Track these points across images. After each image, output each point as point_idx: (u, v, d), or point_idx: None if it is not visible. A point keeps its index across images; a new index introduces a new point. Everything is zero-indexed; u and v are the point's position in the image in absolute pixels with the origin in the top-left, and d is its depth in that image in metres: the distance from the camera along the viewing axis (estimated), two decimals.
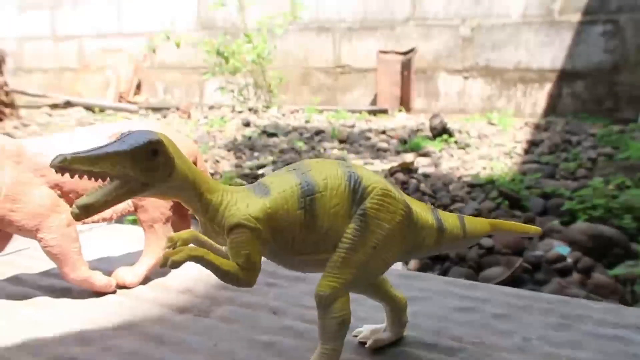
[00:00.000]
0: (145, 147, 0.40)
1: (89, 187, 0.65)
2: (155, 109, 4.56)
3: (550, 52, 4.13)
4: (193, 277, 0.71)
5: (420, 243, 0.47)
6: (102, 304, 0.63)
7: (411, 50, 4.51)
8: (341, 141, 3.50)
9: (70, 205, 0.66)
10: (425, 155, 3.07)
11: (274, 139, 3.58)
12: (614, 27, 3.91)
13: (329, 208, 0.43)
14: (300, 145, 3.32)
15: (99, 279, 0.65)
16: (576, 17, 4.00)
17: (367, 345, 0.51)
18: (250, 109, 4.40)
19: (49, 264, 0.75)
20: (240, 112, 4.36)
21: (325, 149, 3.22)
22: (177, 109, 4.48)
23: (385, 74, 4.54)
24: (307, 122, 4.04)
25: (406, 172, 2.74)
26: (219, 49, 4.49)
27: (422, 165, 2.88)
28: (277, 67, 4.61)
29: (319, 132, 3.70)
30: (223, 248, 0.46)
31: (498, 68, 4.34)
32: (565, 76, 4.09)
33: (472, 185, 2.51)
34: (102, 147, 0.41)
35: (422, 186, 2.52)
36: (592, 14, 3.95)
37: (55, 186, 0.64)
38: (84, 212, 0.41)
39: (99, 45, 5.11)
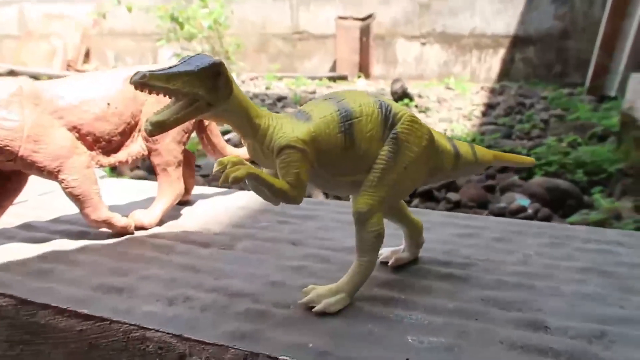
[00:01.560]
0: (211, 67, 0.43)
1: (106, 130, 0.66)
2: None
3: (504, 19, 4.26)
4: (205, 217, 0.73)
5: (441, 166, 0.51)
6: (123, 243, 0.65)
7: (369, 16, 4.53)
8: None
9: (89, 148, 0.67)
10: None
11: None
12: None
13: (365, 132, 0.47)
14: None
15: (118, 220, 0.66)
16: None
17: (389, 264, 0.56)
18: None
19: (55, 213, 0.76)
20: None
21: None
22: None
23: (344, 41, 4.55)
24: (267, 88, 4.02)
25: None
26: (173, 14, 4.36)
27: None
28: (234, 34, 4.53)
29: (281, 99, 3.69)
30: (267, 171, 0.49)
31: (454, 34, 4.43)
32: (517, 42, 4.24)
33: None
34: (172, 67, 0.43)
35: None
36: None
37: (73, 128, 0.64)
38: (157, 128, 0.43)
39: (41, 11, 4.84)
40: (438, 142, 0.52)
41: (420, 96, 3.67)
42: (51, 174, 0.62)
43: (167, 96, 0.43)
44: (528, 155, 2.32)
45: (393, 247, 0.58)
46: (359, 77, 4.44)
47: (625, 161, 2.17)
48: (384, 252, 0.57)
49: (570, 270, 0.55)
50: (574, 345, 0.41)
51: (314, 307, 0.47)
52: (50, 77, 4.24)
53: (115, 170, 2.04)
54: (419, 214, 0.72)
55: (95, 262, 0.59)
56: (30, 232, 0.69)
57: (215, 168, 0.44)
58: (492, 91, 3.79)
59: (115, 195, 0.83)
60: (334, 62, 4.75)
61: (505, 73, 4.32)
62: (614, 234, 0.65)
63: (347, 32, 4.57)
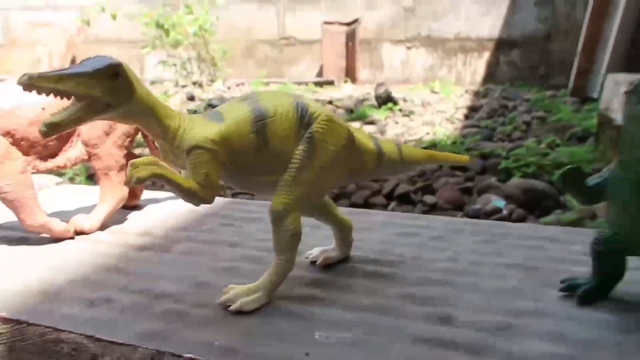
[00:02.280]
0: (106, 68, 0.43)
1: (39, 134, 0.66)
2: None
3: (488, 22, 4.29)
4: (150, 221, 0.73)
5: (363, 165, 0.52)
6: (61, 249, 0.65)
7: (355, 21, 4.56)
8: None
9: (24, 154, 0.67)
10: (372, 123, 3.15)
11: None
12: None
13: (279, 132, 0.47)
14: None
15: (57, 225, 0.66)
16: None
17: (317, 263, 0.56)
18: (194, 83, 4.34)
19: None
20: (184, 86, 4.29)
21: None
22: None
23: (330, 45, 4.57)
24: None
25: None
26: (159, 21, 4.37)
27: (369, 132, 2.95)
28: (221, 40, 4.54)
29: None
30: (182, 172, 0.49)
31: (439, 38, 4.46)
32: (502, 45, 4.26)
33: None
34: (66, 68, 0.44)
35: None
36: None
37: (7, 134, 0.64)
38: (52, 129, 0.43)
39: (26, 19, 4.84)
40: (359, 141, 0.52)
41: (404, 100, 3.68)
42: None
43: (59, 97, 0.44)
44: (507, 158, 2.34)
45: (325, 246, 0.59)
46: (346, 81, 4.46)
47: (601, 161, 2.18)
48: (314, 251, 0.58)
49: (496, 266, 0.55)
50: (477, 337, 0.41)
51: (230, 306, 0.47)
52: None
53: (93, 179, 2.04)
54: (364, 214, 0.72)
55: (28, 266, 0.59)
56: None
57: (129, 169, 0.44)
58: (477, 94, 3.81)
59: (69, 200, 0.83)
60: (321, 67, 4.76)
61: (491, 76, 4.34)
62: (551, 230, 0.65)
63: (333, 37, 4.60)
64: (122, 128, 0.71)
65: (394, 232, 0.66)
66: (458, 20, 4.36)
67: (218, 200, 0.74)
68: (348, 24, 4.53)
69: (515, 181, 2.05)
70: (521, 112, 3.23)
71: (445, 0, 4.37)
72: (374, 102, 3.58)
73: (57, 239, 0.67)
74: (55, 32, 4.54)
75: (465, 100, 3.66)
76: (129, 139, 0.72)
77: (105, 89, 0.43)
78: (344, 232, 0.57)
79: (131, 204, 0.80)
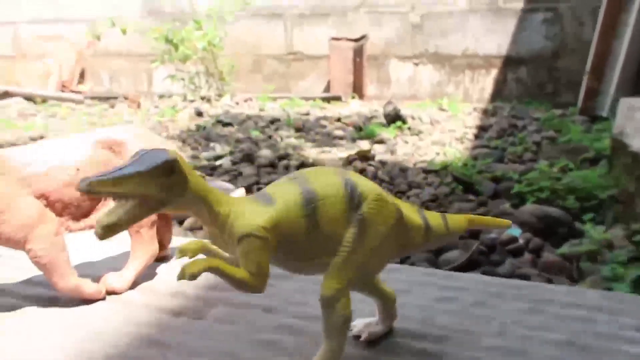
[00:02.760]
0: (163, 166, 0.42)
1: (74, 197, 0.65)
2: (102, 99, 4.42)
3: (495, 39, 4.29)
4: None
5: (411, 241, 0.51)
6: (93, 311, 0.64)
7: (363, 37, 4.56)
8: (297, 129, 3.51)
9: (57, 215, 0.66)
10: (381, 142, 3.14)
11: (229, 128, 3.55)
12: (553, 14, 4.10)
13: (329, 214, 0.46)
14: (256, 134, 3.31)
15: (88, 287, 0.65)
16: (519, 5, 4.16)
17: (361, 339, 0.55)
18: (202, 98, 4.34)
19: (29, 272, 0.74)
20: (192, 101, 4.29)
21: (282, 138, 3.23)
22: (126, 98, 4.36)
23: (337, 61, 4.57)
24: (261, 110, 4.03)
25: (363, 159, 2.80)
26: (168, 36, 4.38)
27: (378, 152, 2.94)
28: (228, 55, 4.55)
29: (274, 121, 3.70)
30: (227, 254, 0.48)
31: (447, 54, 4.46)
32: (509, 62, 4.26)
33: (427, 171, 2.60)
34: (122, 168, 0.42)
35: (380, 173, 2.59)
36: (533, 2, 4.13)
37: (41, 196, 0.63)
38: (109, 232, 0.42)
39: (36, 32, 4.86)
40: (407, 217, 0.51)
41: (413, 118, 3.68)
42: (17, 244, 0.61)
43: (117, 200, 0.42)
44: (519, 181, 2.32)
45: (363, 316, 0.57)
46: (353, 97, 4.46)
47: (616, 187, 2.16)
48: (357, 324, 0.56)
49: (545, 343, 0.54)
50: None
51: None
52: (45, 98, 4.24)
53: None
54: (399, 271, 0.71)
55: (65, 333, 0.58)
56: (1, 297, 0.67)
57: (177, 256, 0.43)
58: (485, 112, 3.80)
59: (98, 247, 0.82)
60: (328, 82, 4.77)
61: (498, 93, 4.34)
62: (594, 297, 0.64)
63: (341, 52, 4.60)
64: None
65: (432, 297, 0.64)
66: (465, 37, 4.37)
67: None
68: (356, 40, 4.54)
69: (530, 207, 2.03)
70: (531, 132, 3.22)
71: (453, 17, 4.38)
72: (382, 119, 3.57)
73: (87, 300, 0.66)
74: (65, 45, 4.55)
75: (474, 119, 3.65)
76: None
77: (160, 186, 0.42)
78: (388, 305, 0.55)
79: (160, 255, 0.79)
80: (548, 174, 2.36)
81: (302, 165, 2.65)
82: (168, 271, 0.75)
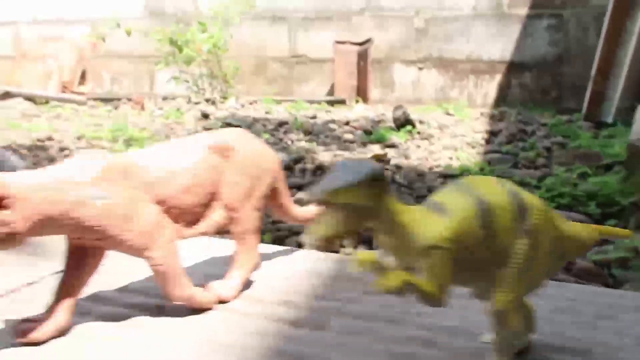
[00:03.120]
0: (373, 176, 0.41)
1: (191, 202, 0.63)
2: (105, 100, 4.36)
3: (499, 44, 4.32)
4: (281, 286, 0.71)
5: (568, 252, 0.50)
6: (208, 322, 0.62)
7: (367, 41, 4.57)
8: (306, 133, 3.50)
9: (173, 221, 0.64)
10: (392, 146, 3.14)
11: None
12: (558, 20, 4.15)
13: (502, 224, 0.45)
14: (266, 137, 3.29)
15: (201, 296, 0.63)
16: (523, 11, 4.20)
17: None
18: (207, 100, 4.31)
19: (118, 278, 0.72)
20: (196, 103, 4.26)
21: (292, 141, 3.22)
22: (129, 99, 4.31)
23: (342, 65, 4.57)
24: (267, 113, 4.01)
25: (379, 163, 2.79)
26: (172, 38, 4.34)
27: (392, 156, 2.94)
28: (231, 57, 4.52)
29: (282, 124, 3.68)
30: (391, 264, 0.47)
31: (451, 59, 4.48)
32: (513, 67, 4.30)
33: (445, 176, 2.61)
34: (333, 178, 0.41)
35: (397, 177, 2.59)
36: (538, 7, 4.17)
37: (160, 202, 0.61)
38: (326, 242, 0.41)
39: (37, 33, 4.79)
40: (564, 228, 0.50)
41: (420, 122, 3.69)
42: (138, 252, 0.60)
43: (332, 211, 0.41)
44: (538, 187, 2.34)
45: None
46: (357, 101, 4.46)
47: (636, 194, 2.19)
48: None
49: None
50: None
51: None
52: (47, 99, 4.17)
53: None
54: None
55: (191, 347, 0.56)
56: (104, 305, 0.66)
57: (355, 268, 0.42)
58: (492, 117, 3.83)
59: (196, 255, 0.80)
60: (331, 86, 4.77)
61: (502, 98, 4.37)
62: None
63: (345, 56, 4.60)
64: (260, 190, 0.69)
65: (550, 307, 0.64)
66: (469, 42, 4.40)
67: (338, 257, 0.72)
68: (360, 44, 4.54)
69: None
70: (540, 137, 3.25)
71: (457, 22, 4.41)
72: (390, 123, 3.57)
73: (197, 309, 0.64)
74: (66, 46, 4.49)
75: (482, 124, 3.68)
76: (264, 201, 0.70)
77: (370, 196, 0.41)
78: (527, 318, 0.55)
79: None
80: (566, 180, 2.38)
81: (319, 168, 2.64)
82: (263, 278, 0.74)
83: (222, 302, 0.65)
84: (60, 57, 4.49)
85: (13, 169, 0.95)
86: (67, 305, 0.61)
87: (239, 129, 0.70)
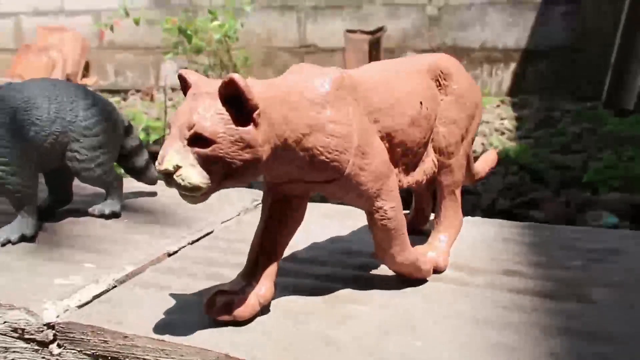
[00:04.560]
0: None
1: (416, 138, 0.52)
2: (113, 91, 4.23)
3: (514, 32, 4.28)
4: (477, 254, 0.62)
5: None
6: (435, 293, 0.53)
7: (379, 30, 4.50)
8: None
9: (394, 164, 0.52)
10: None
11: None
12: (574, 7, 4.13)
13: None
14: None
15: (424, 262, 0.54)
16: None
17: None
18: None
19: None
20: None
21: None
22: (137, 90, 4.19)
23: (353, 54, 4.49)
24: None
25: None
26: (181, 27, 4.21)
27: None
28: (241, 47, 4.41)
29: None
30: None
31: (464, 47, 4.43)
32: (529, 56, 4.27)
33: None
34: None
35: None
36: None
37: (386, 136, 0.50)
38: None
39: (38, 23, 4.60)
40: None
41: None
42: (369, 200, 0.48)
43: None
44: (583, 170, 2.30)
45: None
46: None
47: None
48: None
49: None
50: None
51: None
52: None
53: None
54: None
55: (409, 322, 0.47)
56: (286, 277, 0.56)
57: None
58: (514, 105, 3.79)
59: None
60: None
61: (517, 87, 4.34)
62: None
63: (356, 45, 4.52)
64: (473, 133, 0.58)
65: None
66: (484, 31, 4.35)
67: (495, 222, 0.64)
68: (372, 33, 4.46)
69: (614, 196, 2.00)
70: (568, 124, 3.22)
71: (471, 9, 4.35)
72: None
73: (406, 279, 0.55)
74: (69, 37, 4.33)
75: (506, 111, 3.64)
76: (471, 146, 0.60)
77: None
78: None
79: (424, 228, 0.68)
80: (615, 163, 2.34)
81: None
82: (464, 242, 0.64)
83: (436, 271, 0.57)
84: (63, 48, 4.33)
85: (122, 122, 0.85)
86: (269, 272, 0.51)
87: (445, 54, 0.60)
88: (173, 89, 4.33)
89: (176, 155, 0.40)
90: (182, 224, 0.77)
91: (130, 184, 0.96)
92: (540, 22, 4.19)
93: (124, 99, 3.99)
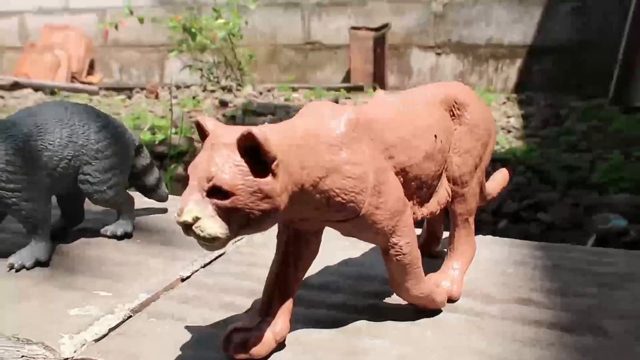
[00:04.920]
0: None
1: (431, 171, 0.52)
2: (118, 89, 4.23)
3: (520, 29, 4.26)
4: (492, 280, 0.62)
5: None
6: (448, 325, 0.53)
7: (384, 27, 4.48)
8: None
9: (408, 197, 0.52)
10: None
11: (263, 118, 3.43)
12: (580, 4, 4.10)
13: None
14: None
15: (439, 294, 0.54)
16: None
17: None
18: (223, 88, 4.20)
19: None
20: (212, 91, 4.14)
21: None
22: (142, 89, 4.18)
23: (358, 51, 4.47)
24: (286, 100, 3.91)
25: None
26: (186, 25, 4.21)
27: None
28: (246, 45, 4.41)
29: None
30: None
31: (470, 44, 4.41)
32: (534, 52, 4.24)
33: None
34: None
35: None
36: None
37: (401, 172, 0.50)
38: None
39: (43, 22, 4.60)
40: None
41: None
42: (384, 237, 0.48)
43: None
44: (591, 171, 2.29)
45: None
46: (374, 88, 4.38)
47: None
48: None
49: None
50: None
51: None
52: (58, 89, 4.01)
53: None
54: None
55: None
56: (299, 306, 0.56)
57: None
58: (520, 102, 3.77)
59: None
60: (347, 73, 4.68)
61: (523, 83, 4.32)
62: None
63: (361, 42, 4.51)
64: (486, 161, 0.58)
65: None
66: (489, 27, 4.32)
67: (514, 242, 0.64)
68: (376, 30, 4.44)
69: (621, 197, 1.99)
70: (574, 122, 3.20)
71: (476, 5, 4.33)
72: None
73: (420, 310, 0.55)
74: (74, 35, 4.33)
75: (511, 108, 3.62)
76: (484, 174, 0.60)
77: None
78: None
79: (435, 252, 0.68)
80: (624, 164, 2.33)
81: None
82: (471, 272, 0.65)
83: (450, 301, 0.57)
84: (68, 47, 4.33)
85: (133, 143, 0.85)
86: (284, 309, 0.51)
87: (459, 83, 0.60)
88: (178, 87, 4.33)
89: (195, 207, 0.40)
90: (194, 244, 0.77)
91: (141, 199, 0.96)
92: (546, 19, 4.16)
93: (129, 97, 3.99)
